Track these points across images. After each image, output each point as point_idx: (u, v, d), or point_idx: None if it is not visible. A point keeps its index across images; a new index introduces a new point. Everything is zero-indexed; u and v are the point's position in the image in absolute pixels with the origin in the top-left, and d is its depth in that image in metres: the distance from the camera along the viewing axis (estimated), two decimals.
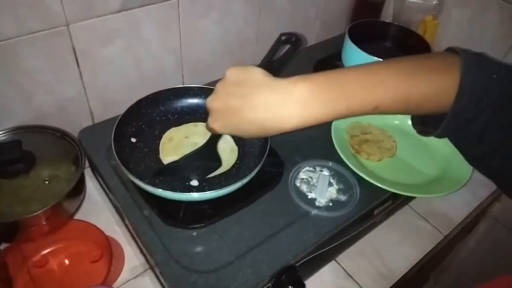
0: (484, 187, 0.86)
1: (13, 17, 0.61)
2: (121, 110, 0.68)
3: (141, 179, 0.57)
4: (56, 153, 0.69)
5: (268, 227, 0.60)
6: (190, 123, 0.71)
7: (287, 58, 0.58)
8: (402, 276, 0.70)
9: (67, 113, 0.76)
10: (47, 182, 0.65)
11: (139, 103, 0.68)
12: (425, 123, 0.48)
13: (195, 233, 0.58)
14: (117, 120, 0.64)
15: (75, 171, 0.67)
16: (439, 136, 0.45)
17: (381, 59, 0.79)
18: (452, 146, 0.73)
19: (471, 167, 0.69)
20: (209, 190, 0.56)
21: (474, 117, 0.41)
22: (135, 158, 0.64)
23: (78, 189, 0.67)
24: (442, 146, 0.75)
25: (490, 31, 0.94)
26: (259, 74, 0.47)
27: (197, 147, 0.64)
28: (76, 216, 0.68)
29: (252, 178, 0.60)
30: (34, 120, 0.72)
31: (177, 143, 0.67)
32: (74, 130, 0.73)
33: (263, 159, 0.60)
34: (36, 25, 0.63)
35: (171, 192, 0.55)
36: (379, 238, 0.73)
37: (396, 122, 0.80)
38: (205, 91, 0.73)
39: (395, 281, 0.69)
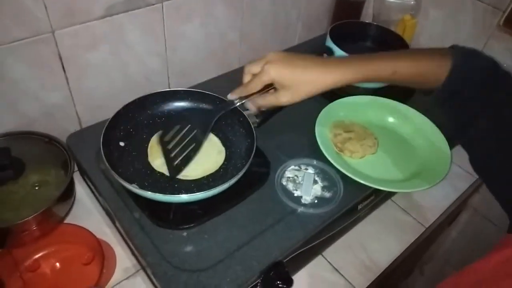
0: (463, 180, 0.89)
1: None
2: (108, 114, 0.69)
3: (131, 183, 0.58)
4: (44, 158, 0.70)
5: (256, 225, 0.62)
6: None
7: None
8: (386, 268, 0.73)
9: (54, 119, 0.76)
10: (36, 188, 0.65)
11: (127, 107, 0.69)
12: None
13: (185, 234, 0.60)
14: (105, 125, 0.65)
15: (64, 176, 0.67)
16: (435, 101, 0.59)
17: None
18: (431, 141, 0.77)
19: (449, 161, 0.72)
20: (198, 191, 0.58)
21: (461, 90, 0.55)
22: (124, 161, 0.65)
23: (68, 194, 0.68)
24: (422, 142, 0.78)
25: (465, 29, 0.98)
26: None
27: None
28: (67, 220, 0.69)
29: (240, 178, 0.61)
30: (21, 126, 0.72)
31: None
32: (61, 135, 0.74)
33: (250, 160, 0.62)
34: (21, 33, 0.64)
35: (161, 194, 0.56)
36: (363, 232, 0.76)
37: (377, 120, 0.82)
38: (191, 94, 0.74)
39: (380, 273, 0.71)
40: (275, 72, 0.57)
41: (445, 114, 0.60)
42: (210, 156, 0.68)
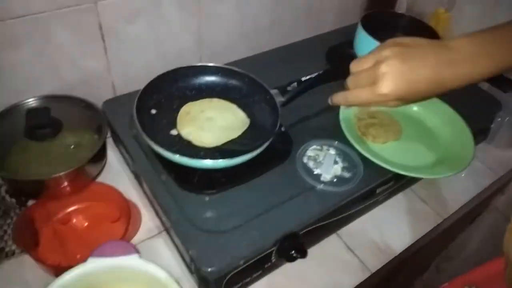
0: (485, 176, 0.89)
1: None
2: (140, 85, 0.72)
3: (161, 146, 0.61)
4: (81, 121, 0.74)
5: (275, 197, 0.64)
6: (205, 99, 0.76)
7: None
8: (400, 253, 0.74)
9: (90, 85, 0.81)
10: (72, 148, 0.70)
11: (160, 78, 0.72)
12: None
13: (207, 198, 0.63)
14: (139, 93, 0.68)
15: (98, 139, 0.72)
16: None
17: None
18: (455, 131, 0.76)
19: (472, 152, 0.72)
20: (221, 158, 0.61)
21: None
22: (154, 128, 0.68)
23: (100, 156, 0.72)
24: (446, 132, 0.78)
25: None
26: (419, 38, 0.49)
27: (211, 121, 0.70)
28: (98, 180, 0.74)
29: (263, 152, 0.64)
30: (59, 90, 0.76)
31: (193, 117, 0.72)
32: (96, 101, 0.78)
33: (275, 131, 0.65)
34: (66, 1, 0.68)
35: (187, 158, 0.59)
36: (379, 217, 0.77)
37: (402, 107, 0.82)
38: (222, 70, 0.77)
39: (393, 256, 0.73)
40: (393, 88, 0.45)
41: None
42: (234, 127, 0.71)
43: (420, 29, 0.95)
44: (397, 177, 0.71)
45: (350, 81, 0.52)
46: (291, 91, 0.73)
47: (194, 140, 0.68)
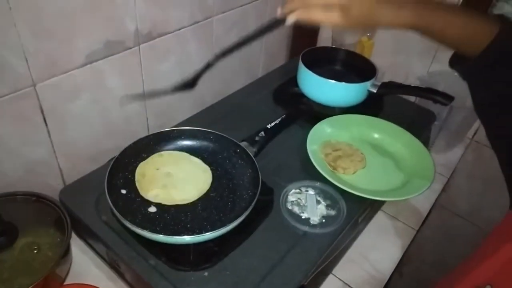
0: (437, 181, 0.96)
1: None
2: (90, 165, 0.66)
3: (144, 229, 0.56)
4: (35, 218, 0.66)
5: (274, 253, 0.62)
6: (154, 154, 0.72)
7: None
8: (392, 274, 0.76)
9: (35, 176, 0.72)
10: (34, 251, 0.61)
11: (123, 154, 0.67)
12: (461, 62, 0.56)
13: (206, 274, 0.58)
14: (107, 173, 0.62)
15: (58, 234, 0.64)
16: (466, 70, 0.55)
17: (333, 81, 0.87)
18: (414, 152, 0.82)
19: (433, 168, 0.78)
20: (213, 228, 0.58)
21: (497, 65, 0.51)
22: (130, 209, 0.63)
23: (67, 252, 0.64)
24: (406, 153, 0.84)
25: (415, 44, 1.07)
26: None
27: (171, 176, 0.69)
28: (67, 280, 0.65)
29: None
30: (1, 187, 0.67)
31: (151, 177, 0.69)
32: (44, 191, 0.69)
33: (259, 189, 0.63)
34: (1, 90, 0.61)
35: (178, 237, 0.55)
36: (362, 245, 0.79)
37: (359, 135, 0.87)
38: (184, 133, 0.74)
39: (387, 279, 0.75)
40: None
41: (473, 86, 0.55)
42: (197, 176, 0.70)
43: (353, 58, 1.02)
44: (373, 202, 0.74)
45: None
46: (260, 140, 0.73)
47: (165, 201, 0.64)
